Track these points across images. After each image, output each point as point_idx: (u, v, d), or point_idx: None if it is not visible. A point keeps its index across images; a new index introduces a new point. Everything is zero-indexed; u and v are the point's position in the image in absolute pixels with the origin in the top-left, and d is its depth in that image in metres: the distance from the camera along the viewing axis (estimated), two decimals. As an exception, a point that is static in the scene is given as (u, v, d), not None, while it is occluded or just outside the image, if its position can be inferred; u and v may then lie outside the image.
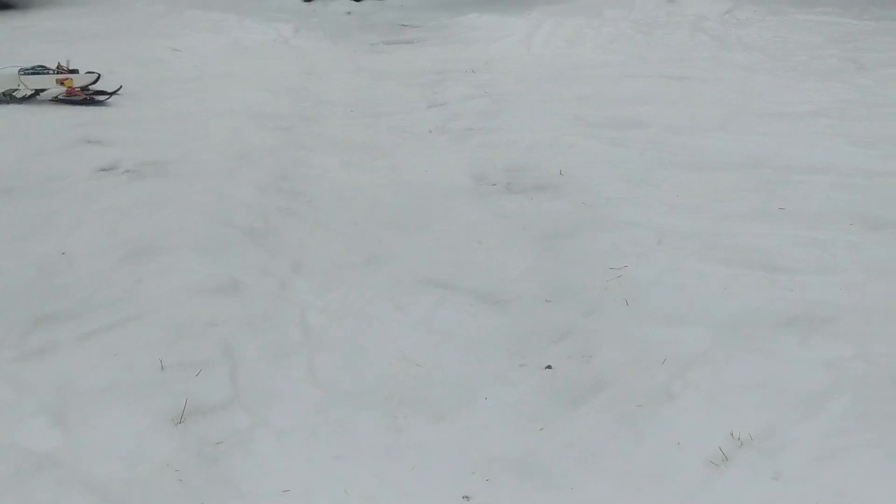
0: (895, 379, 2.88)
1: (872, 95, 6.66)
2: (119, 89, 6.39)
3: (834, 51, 8.42)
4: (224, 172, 4.74)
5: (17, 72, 6.33)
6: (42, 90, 6.32)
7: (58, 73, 6.36)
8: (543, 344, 3.21)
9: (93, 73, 6.41)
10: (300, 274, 3.64)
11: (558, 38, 8.85)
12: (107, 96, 6.30)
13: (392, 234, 4.09)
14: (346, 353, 3.09)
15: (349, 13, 10.70)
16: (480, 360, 3.10)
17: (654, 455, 2.60)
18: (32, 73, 6.35)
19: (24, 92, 6.30)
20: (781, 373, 2.92)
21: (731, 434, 2.64)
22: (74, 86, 6.29)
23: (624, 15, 9.96)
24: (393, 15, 10.69)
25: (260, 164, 4.91)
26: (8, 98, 6.29)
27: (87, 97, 6.28)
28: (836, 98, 6.54)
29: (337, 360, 3.05)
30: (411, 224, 4.23)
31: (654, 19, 9.79)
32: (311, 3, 11.02)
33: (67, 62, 6.47)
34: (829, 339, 3.12)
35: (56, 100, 6.31)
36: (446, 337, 3.22)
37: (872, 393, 2.79)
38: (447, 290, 3.58)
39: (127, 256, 3.71)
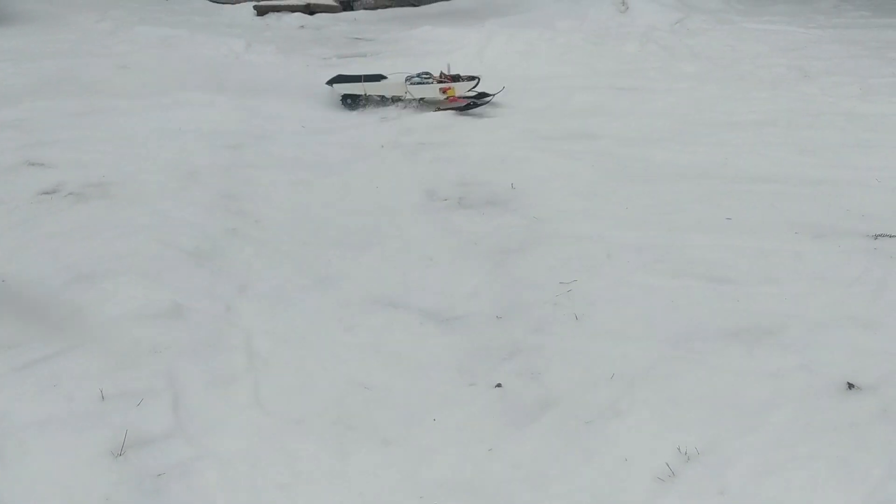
0: (837, 388, 2.91)
1: (817, 104, 6.78)
2: (502, 89, 6.58)
3: (781, 60, 8.57)
4: (170, 193, 4.66)
5: (403, 79, 6.68)
6: (421, 99, 6.66)
7: (440, 81, 6.59)
8: (493, 362, 3.20)
9: (474, 77, 6.62)
10: (246, 297, 3.59)
11: (511, 51, 8.87)
12: (490, 97, 6.50)
13: (341, 253, 4.05)
14: (292, 377, 3.05)
15: (302, 27, 10.63)
16: (429, 381, 3.07)
17: (603, 473, 2.60)
18: (418, 82, 6.63)
19: (410, 99, 6.63)
20: (726, 385, 2.95)
21: (678, 449, 2.65)
22: (456, 94, 6.53)
23: (576, 27, 10.03)
24: (347, 28, 10.64)
25: (207, 184, 4.83)
26: (394, 103, 6.67)
27: (471, 102, 6.51)
28: (783, 107, 6.65)
29: (283, 386, 3.00)
30: (361, 242, 4.19)
31: (605, 30, 9.88)
32: (264, 17, 10.93)
33: (448, 66, 6.70)
34: (772, 350, 3.15)
35: (438, 108, 6.55)
36: (395, 358, 3.19)
37: (814, 403, 2.82)
38: (397, 310, 3.55)
39: (68, 283, 3.62)
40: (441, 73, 6.66)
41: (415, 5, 12.21)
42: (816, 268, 3.85)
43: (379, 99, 6.72)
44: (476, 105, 6.50)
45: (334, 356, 3.18)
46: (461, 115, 6.55)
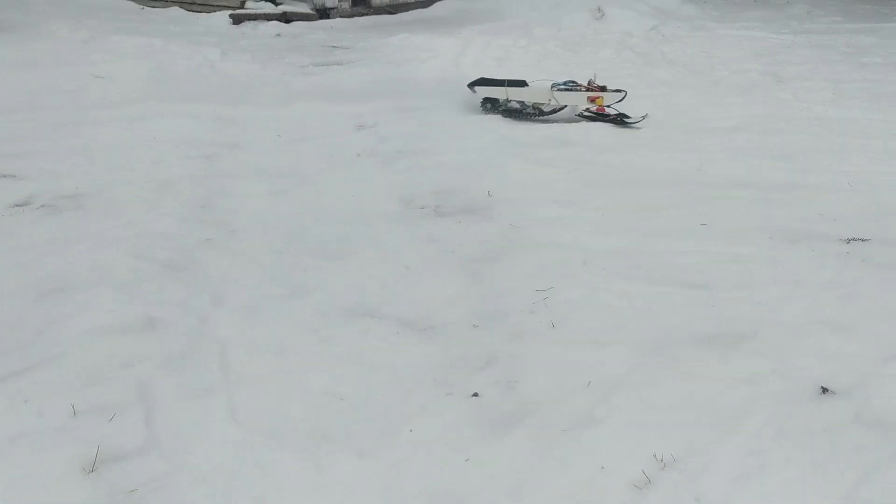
0: (811, 393, 2.94)
1: (790, 108, 6.86)
2: (644, 117, 6.46)
3: (754, 65, 8.66)
4: (144, 204, 4.62)
5: (549, 86, 6.54)
6: (562, 107, 6.57)
7: (588, 90, 6.48)
8: (470, 371, 3.19)
9: (620, 91, 6.52)
10: (221, 308, 3.56)
11: (488, 58, 8.89)
12: (635, 122, 6.38)
13: (317, 263, 4.03)
14: (267, 389, 3.02)
15: (279, 35, 10.59)
16: (406, 391, 3.06)
17: (579, 481, 2.60)
18: (565, 90, 6.52)
19: (552, 106, 6.54)
20: (702, 391, 2.96)
21: (654, 456, 2.65)
22: (605, 104, 6.42)
23: (552, 33, 10.08)
24: (323, 36, 10.62)
25: (181, 195, 4.79)
26: (536, 111, 6.59)
27: (616, 117, 6.40)
28: (757, 112, 6.72)
29: (258, 398, 2.97)
30: (337, 252, 4.17)
31: (581, 37, 9.93)
32: (240, 25, 10.88)
33: (595, 76, 6.64)
34: (747, 356, 3.17)
35: (581, 115, 6.48)
36: (371, 369, 3.18)
37: (789, 408, 2.84)
38: (373, 320, 3.53)
39: (40, 297, 3.58)
40: (589, 81, 6.62)
41: (391, 13, 12.22)
42: (790, 272, 3.88)
43: (517, 105, 6.65)
44: (622, 122, 6.40)
45: (310, 367, 3.16)
46: (435, 123, 6.54)
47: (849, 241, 4.21)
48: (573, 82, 6.65)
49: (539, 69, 8.60)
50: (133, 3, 11.92)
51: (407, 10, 12.42)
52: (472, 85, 6.84)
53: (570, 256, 4.11)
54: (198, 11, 11.52)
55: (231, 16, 11.04)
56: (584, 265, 4.01)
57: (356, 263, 4.06)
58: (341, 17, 11.86)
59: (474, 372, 3.18)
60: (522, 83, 6.71)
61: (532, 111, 6.61)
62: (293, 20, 11.29)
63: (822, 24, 11.69)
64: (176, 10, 11.57)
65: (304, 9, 11.68)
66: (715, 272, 3.88)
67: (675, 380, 3.05)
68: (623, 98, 6.49)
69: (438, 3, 12.61)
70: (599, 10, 11.01)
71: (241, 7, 11.39)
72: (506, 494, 2.57)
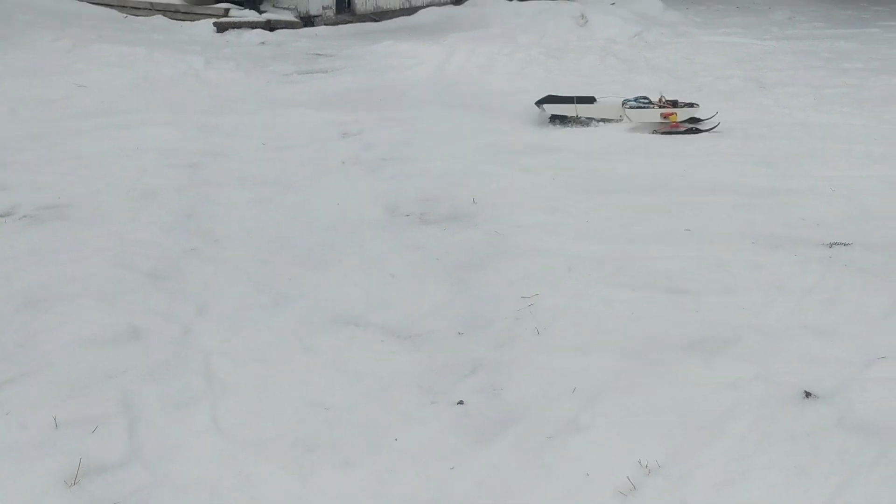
0: (794, 397, 2.95)
1: (772, 114, 6.91)
2: (715, 119, 6.41)
3: (737, 71, 8.73)
4: (127, 214, 4.60)
5: (619, 103, 6.52)
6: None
7: (661, 106, 6.45)
8: (455, 379, 3.19)
9: (693, 104, 6.50)
10: (205, 318, 3.54)
11: (472, 65, 8.93)
12: (709, 127, 6.33)
13: (302, 271, 4.02)
14: (251, 399, 3.01)
15: (263, 43, 10.58)
16: (391, 400, 3.05)
17: (565, 488, 2.60)
18: (637, 107, 6.48)
19: (621, 122, 6.50)
20: (686, 397, 2.97)
21: (639, 462, 2.66)
22: (678, 119, 6.37)
23: (536, 40, 10.12)
24: (307, 44, 10.61)
25: (165, 204, 4.77)
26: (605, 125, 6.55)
27: (689, 128, 6.36)
28: (739, 118, 6.76)
29: (241, 408, 2.96)
30: (322, 260, 4.16)
31: (565, 44, 9.98)
32: (224, 33, 10.87)
33: (661, 95, 6.61)
34: (730, 361, 3.18)
35: (654, 132, 6.40)
36: (356, 377, 3.17)
37: (772, 413, 2.85)
38: (358, 328, 3.53)
39: (21, 308, 3.55)
40: (660, 97, 6.60)
41: (376, 21, 12.24)
42: (773, 277, 3.90)
43: (586, 121, 6.62)
44: (696, 132, 6.35)
45: (294, 376, 3.15)
46: (420, 131, 6.55)
47: (831, 245, 4.24)
48: (644, 98, 6.61)
49: (523, 76, 8.64)
50: (116, 12, 11.89)
51: (391, 18, 12.44)
52: (539, 103, 6.77)
53: (555, 263, 4.12)
54: (181, 20, 11.50)
55: (215, 24, 11.02)
56: (569, 271, 4.02)
57: (341, 271, 4.05)
58: (325, 24, 11.86)
59: (460, 379, 3.18)
60: (591, 100, 6.70)
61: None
62: (277, 28, 11.28)
63: (803, 30, 11.80)
64: (160, 19, 11.55)
65: (289, 17, 11.67)
66: (698, 277, 3.89)
67: (660, 385, 3.06)
68: (695, 111, 6.46)
69: (423, 10, 12.64)
70: (583, 16, 11.06)
71: (225, 15, 11.37)
72: (492, 503, 2.56)
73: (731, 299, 3.69)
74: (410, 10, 12.78)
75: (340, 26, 11.90)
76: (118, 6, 12.00)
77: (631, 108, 6.53)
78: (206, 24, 11.04)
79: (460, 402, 3.03)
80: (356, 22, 12.20)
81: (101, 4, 12.04)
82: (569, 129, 6.52)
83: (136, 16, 11.72)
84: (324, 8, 12.05)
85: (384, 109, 7.26)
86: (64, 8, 11.65)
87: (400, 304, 3.76)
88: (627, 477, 2.59)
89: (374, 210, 4.89)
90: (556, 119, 6.66)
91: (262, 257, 4.16)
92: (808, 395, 2.95)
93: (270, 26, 11.26)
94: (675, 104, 6.50)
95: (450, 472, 2.67)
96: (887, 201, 4.89)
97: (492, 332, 3.51)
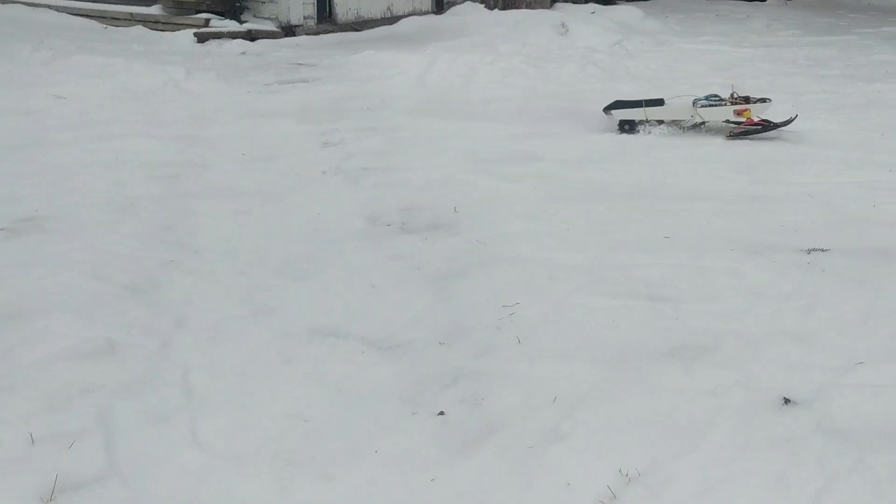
0: (773, 403, 2.96)
1: (751, 121, 6.94)
2: (795, 117, 6.32)
3: (716, 78, 8.79)
4: (105, 226, 4.56)
5: (690, 102, 6.43)
6: (703, 123, 6.47)
7: (733, 103, 6.32)
8: (436, 389, 3.18)
9: (765, 100, 6.40)
10: (184, 330, 3.51)
11: (453, 74, 8.95)
12: (786, 123, 6.27)
13: (282, 282, 4.00)
14: (230, 413, 2.98)
15: (244, 53, 10.56)
16: (371, 411, 3.04)
17: (545, 498, 2.59)
18: (709, 105, 6.38)
19: (693, 122, 6.43)
20: (666, 404, 2.97)
21: (620, 471, 2.66)
22: (752, 116, 6.27)
23: (517, 49, 10.16)
24: (289, 54, 10.60)
25: (144, 216, 4.74)
26: (678, 128, 6.52)
27: (767, 125, 6.28)
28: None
29: (220, 422, 2.93)
30: (302, 271, 4.15)
31: (546, 53, 10.02)
32: (205, 44, 10.83)
33: (733, 88, 6.52)
34: (710, 368, 3.19)
35: (730, 133, 6.35)
36: (336, 389, 3.15)
37: (751, 420, 2.86)
38: (338, 339, 3.51)
39: (-3, 322, 3.51)
40: (732, 94, 6.50)
41: (357, 30, 12.25)
42: (752, 283, 3.92)
43: (657, 124, 6.56)
44: (770, 129, 6.28)
45: (274, 389, 3.13)
46: (401, 140, 6.55)
47: (809, 251, 4.27)
48: (715, 96, 6.53)
49: (505, 85, 8.68)
50: (96, 23, 11.84)
51: (373, 27, 12.45)
52: (607, 108, 6.69)
53: (536, 271, 4.12)
54: (162, 30, 11.47)
55: (196, 34, 10.99)
56: (550, 280, 4.03)
57: (321, 282, 4.04)
58: (307, 34, 11.86)
59: (440, 390, 3.17)
60: (660, 102, 6.64)
61: (672, 129, 6.55)
62: (258, 38, 11.26)
63: (781, 38, 11.92)
64: (140, 30, 11.51)
65: (270, 26, 11.66)
66: (678, 285, 3.91)
67: (640, 393, 3.06)
68: (768, 106, 6.38)
69: (404, 19, 12.66)
70: (563, 25, 11.12)
71: (206, 26, 11.34)
72: (472, 513, 2.55)
73: (711, 306, 3.71)
74: (392, 20, 12.80)
75: (322, 36, 11.90)
76: (98, 17, 11.95)
77: (703, 106, 6.45)
78: (187, 35, 11.01)
79: (441, 413, 3.02)
80: (338, 31, 12.21)
81: (82, 15, 11.99)
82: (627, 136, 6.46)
83: (117, 26, 11.67)
84: (305, 18, 12.05)
85: (365, 119, 7.26)
86: (44, 19, 11.59)
87: (380, 314, 3.75)
88: (608, 486, 2.59)
89: (354, 220, 4.88)
90: (626, 125, 6.57)
91: (241, 269, 4.14)
92: (787, 401, 2.96)
93: (251, 36, 11.24)
94: (747, 101, 6.41)
95: (430, 484, 2.66)
96: (864, 207, 4.93)
97: (473, 342, 3.51)
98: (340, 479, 2.68)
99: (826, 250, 4.28)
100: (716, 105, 6.45)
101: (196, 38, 10.92)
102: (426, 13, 13.36)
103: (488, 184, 5.48)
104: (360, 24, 12.53)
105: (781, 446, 2.72)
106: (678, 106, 6.58)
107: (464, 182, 5.52)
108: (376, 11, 12.93)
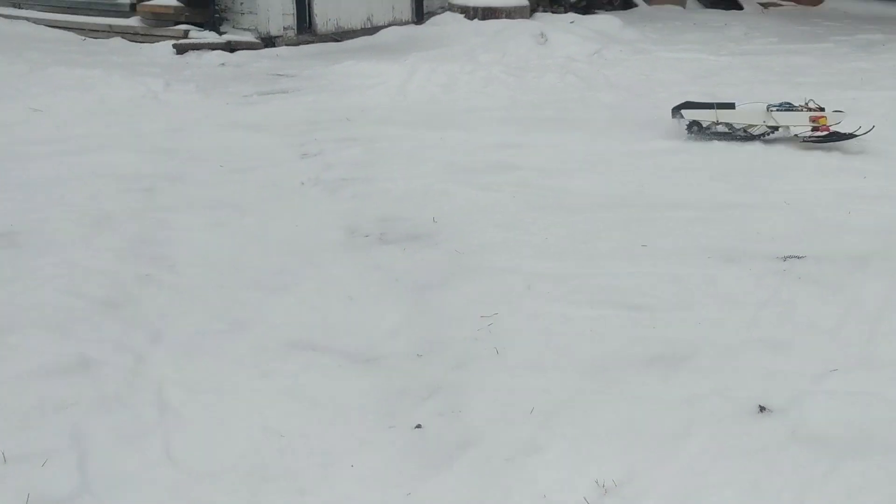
0: (749, 412, 2.98)
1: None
2: (871, 129, 6.22)
3: (694, 87, 8.83)
4: (80, 240, 4.52)
5: (764, 108, 6.36)
6: (776, 128, 6.40)
7: (808, 110, 6.28)
8: (413, 402, 3.17)
9: (840, 111, 6.34)
10: (158, 346, 3.49)
11: (433, 84, 8.95)
12: (862, 133, 6.18)
13: (259, 295, 3.98)
14: (204, 429, 2.96)
15: (223, 64, 10.52)
16: (348, 425, 3.02)
17: (522, 510, 2.59)
18: (785, 110, 6.31)
19: (764, 128, 6.37)
20: (642, 414, 2.98)
21: (596, 482, 2.66)
22: (828, 124, 6.19)
23: (497, 59, 10.18)
24: (268, 64, 10.57)
25: (120, 230, 4.71)
26: (746, 134, 6.44)
27: (840, 134, 6.20)
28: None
29: (195, 438, 2.91)
30: (280, 284, 4.13)
31: (525, 62, 10.04)
32: (184, 55, 10.78)
33: (809, 100, 6.46)
34: (687, 376, 3.20)
35: (804, 141, 6.29)
36: (313, 403, 3.13)
37: (727, 428, 2.87)
38: (315, 353, 3.50)
39: (-32, 340, 3.47)
40: (806, 102, 6.46)
41: (337, 41, 12.24)
42: (728, 291, 3.94)
43: (725, 128, 6.50)
44: (845, 138, 6.22)
45: (249, 404, 3.11)
46: (380, 150, 6.53)
47: (785, 258, 4.30)
48: (788, 104, 6.50)
49: (485, 94, 8.69)
50: (75, 35, 11.76)
51: (353, 38, 12.43)
52: (677, 109, 6.64)
53: (514, 281, 4.12)
54: (141, 42, 11.41)
55: (175, 46, 10.94)
56: (528, 290, 4.03)
57: (298, 295, 4.02)
58: (287, 45, 11.83)
59: (418, 403, 3.16)
60: (731, 105, 6.60)
61: (742, 133, 6.49)
62: (238, 49, 11.23)
63: (758, 46, 12.00)
64: (118, 41, 11.44)
65: (249, 37, 11.63)
66: (655, 293, 3.92)
67: (617, 403, 3.06)
68: (843, 117, 6.34)
69: (384, 30, 12.65)
70: (543, 35, 11.16)
71: (185, 37, 11.29)
72: (448, 527, 2.54)
73: (688, 314, 3.72)
74: (372, 30, 12.79)
75: (302, 46, 11.87)
76: (77, 29, 11.87)
77: (779, 111, 6.41)
78: (166, 46, 10.96)
79: (418, 426, 3.01)
80: (318, 42, 12.18)
81: (60, 27, 11.91)
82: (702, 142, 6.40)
83: (95, 38, 11.60)
84: (285, 28, 12.02)
85: (344, 129, 7.24)
86: (22, 31, 11.51)
87: (358, 326, 3.74)
88: (584, 497, 2.59)
89: (333, 231, 4.86)
90: (695, 126, 6.52)
91: (218, 282, 4.11)
92: (762, 409, 2.97)
93: (231, 47, 11.20)
94: (822, 110, 6.39)
95: (406, 498, 2.65)
96: (839, 214, 4.97)
97: (451, 353, 3.50)
98: (316, 494, 2.67)
99: (802, 257, 4.31)
100: (792, 110, 6.44)
101: (175, 50, 10.87)
102: (406, 23, 13.36)
103: (468, 193, 5.48)
104: (340, 35, 12.52)
105: (757, 454, 2.73)
106: (750, 111, 6.54)
107: (443, 192, 5.52)
108: (356, 22, 12.93)
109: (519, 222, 4.94)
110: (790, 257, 4.32)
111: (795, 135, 6.40)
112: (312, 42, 12.09)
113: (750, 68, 10.14)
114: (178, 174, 5.83)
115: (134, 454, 2.83)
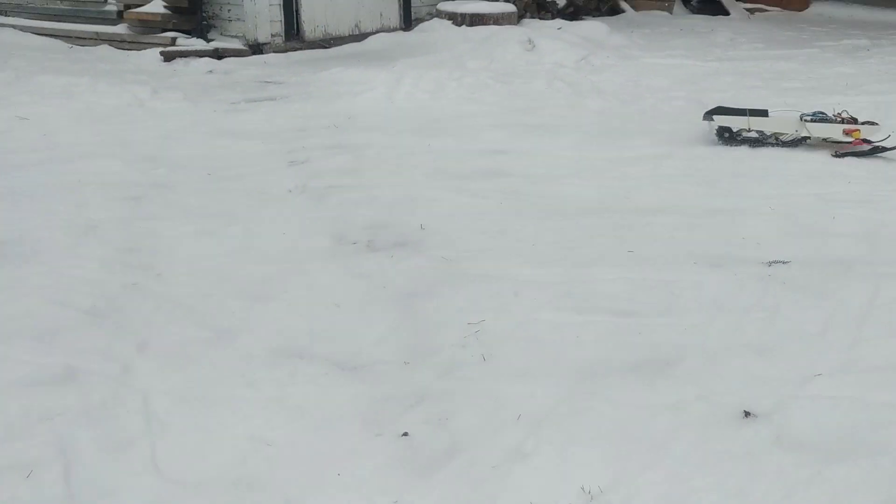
0: (734, 417, 2.99)
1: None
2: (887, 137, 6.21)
3: (680, 93, 8.88)
4: (65, 250, 4.51)
5: (797, 117, 6.39)
6: (804, 138, 6.40)
7: (842, 121, 6.28)
8: (400, 410, 3.17)
9: (874, 123, 6.32)
10: (144, 355, 3.48)
11: (421, 91, 8.96)
12: (889, 147, 6.15)
13: (245, 304, 3.98)
14: (191, 438, 2.96)
15: (211, 72, 10.50)
16: (335, 434, 3.02)
17: (509, 518, 2.59)
18: (818, 120, 6.30)
19: (794, 136, 6.38)
20: (629, 420, 2.99)
21: (583, 488, 2.67)
22: (861, 137, 6.17)
23: (485, 66, 10.20)
24: (256, 72, 10.56)
25: (106, 239, 4.69)
26: (777, 141, 6.43)
27: (874, 146, 6.16)
28: (682, 139, 6.87)
29: (181, 448, 2.90)
30: (266, 292, 4.12)
31: (513, 69, 10.07)
32: (172, 62, 10.76)
33: (842, 110, 6.45)
34: (672, 382, 3.22)
35: (836, 152, 6.26)
36: (299, 412, 3.13)
37: (712, 433, 2.89)
38: (302, 361, 3.49)
39: (-48, 351, 3.45)
40: (839, 113, 6.44)
41: (325, 47, 12.24)
42: (714, 297, 3.97)
43: (756, 135, 6.48)
44: (879, 151, 6.19)
45: (236, 413, 3.11)
46: (368, 158, 6.54)
47: (770, 264, 4.32)
48: (822, 113, 6.47)
49: (473, 100, 8.70)
50: (62, 43, 11.73)
51: (341, 45, 12.43)
52: (708, 114, 6.60)
53: (502, 288, 4.14)
54: (128, 49, 11.38)
55: (162, 53, 10.91)
56: (515, 296, 4.04)
57: (285, 303, 4.02)
58: (275, 52, 11.82)
59: (405, 410, 3.16)
60: (764, 112, 6.59)
61: (772, 141, 6.48)
62: (226, 56, 11.21)
63: (744, 51, 12.06)
64: (105, 49, 11.41)
65: (237, 45, 11.61)
66: (641, 299, 3.94)
67: (603, 409, 3.07)
68: (877, 130, 6.31)
69: (372, 36, 12.65)
70: (530, 41, 11.19)
71: (172, 44, 11.27)
72: (435, 535, 2.55)
73: (673, 320, 3.74)
74: (360, 37, 12.79)
75: (290, 53, 11.86)
76: (63, 37, 11.84)
77: (812, 121, 6.40)
78: (153, 54, 10.93)
79: (405, 434, 3.02)
80: (306, 49, 12.17)
81: (47, 35, 11.88)
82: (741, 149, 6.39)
83: (82, 46, 11.56)
84: (272, 35, 12.01)
85: (332, 136, 7.24)
86: (7, 40, 11.47)
87: (345, 334, 3.74)
88: (570, 504, 2.59)
89: (320, 239, 4.86)
90: (725, 132, 6.50)
91: (204, 291, 4.11)
92: (747, 414, 2.99)
93: (219, 55, 11.19)
94: (854, 122, 6.37)
95: (393, 506, 2.65)
96: (824, 219, 5.01)
97: (438, 361, 3.50)
98: (302, 502, 2.67)
99: (786, 262, 4.34)
100: (826, 121, 6.42)
101: (162, 57, 10.85)
102: (394, 30, 13.37)
103: (455, 200, 5.49)
104: (328, 42, 12.52)
105: (741, 460, 2.75)
106: (783, 119, 6.55)
107: (431, 199, 5.52)
108: (344, 28, 12.94)
109: (507, 229, 4.95)
110: (775, 262, 4.34)
111: (835, 151, 6.34)
112: (300, 49, 12.08)
113: (736, 73, 10.19)
114: (165, 182, 5.82)
115: (120, 464, 2.82)
